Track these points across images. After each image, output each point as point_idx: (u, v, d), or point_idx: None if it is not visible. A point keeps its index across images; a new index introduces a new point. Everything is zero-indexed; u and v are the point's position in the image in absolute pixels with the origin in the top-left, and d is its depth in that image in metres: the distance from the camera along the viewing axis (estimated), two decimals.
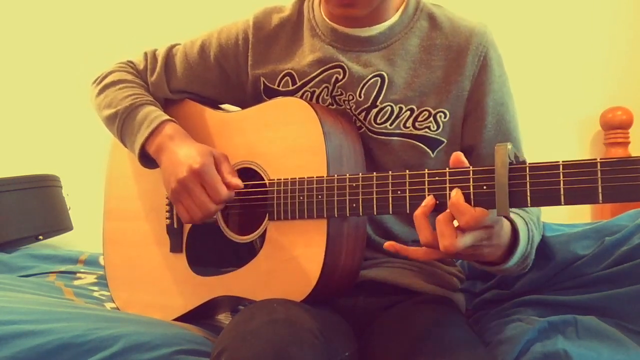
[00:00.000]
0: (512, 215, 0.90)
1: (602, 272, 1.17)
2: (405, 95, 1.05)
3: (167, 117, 1.09)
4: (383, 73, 1.05)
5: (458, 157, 0.83)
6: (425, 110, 1.05)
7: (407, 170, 0.88)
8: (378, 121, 1.06)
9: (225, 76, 1.15)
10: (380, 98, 1.05)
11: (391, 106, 1.05)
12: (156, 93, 1.19)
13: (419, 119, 1.05)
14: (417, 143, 1.05)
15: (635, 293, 1.09)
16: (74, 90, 2.16)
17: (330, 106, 1.08)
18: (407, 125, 1.05)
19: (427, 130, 1.05)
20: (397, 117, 1.05)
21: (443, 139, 1.06)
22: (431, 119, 1.05)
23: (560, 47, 2.05)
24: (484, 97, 1.05)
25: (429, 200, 0.84)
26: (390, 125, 1.05)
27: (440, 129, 1.05)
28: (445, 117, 1.05)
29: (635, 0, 2.04)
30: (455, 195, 0.81)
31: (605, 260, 1.18)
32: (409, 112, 1.05)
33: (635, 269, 1.12)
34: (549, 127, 2.04)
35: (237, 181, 1.01)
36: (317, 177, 0.96)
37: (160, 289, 1.16)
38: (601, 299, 1.12)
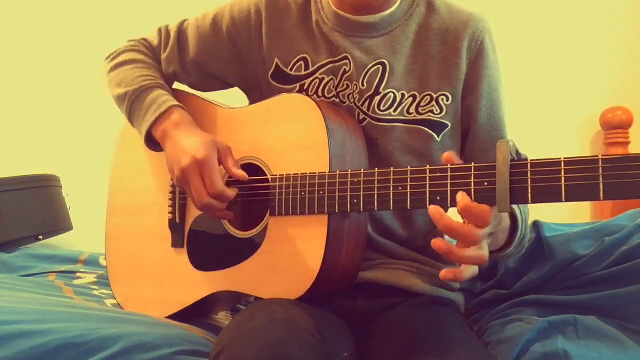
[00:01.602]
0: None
1: (602, 272, 1.17)
2: (407, 82, 1.06)
3: (175, 102, 1.10)
4: (384, 61, 1.06)
5: (450, 156, 0.84)
6: (427, 94, 1.06)
7: (409, 167, 0.88)
8: (382, 108, 1.06)
9: (236, 51, 1.15)
10: (383, 85, 1.06)
11: (394, 93, 1.06)
12: (169, 67, 1.20)
13: (422, 104, 1.06)
14: (422, 127, 1.06)
15: (635, 293, 1.09)
16: (74, 90, 2.16)
17: (334, 99, 1.09)
18: (411, 111, 1.06)
19: (430, 114, 1.06)
20: (400, 104, 1.06)
21: (447, 123, 1.06)
22: (433, 102, 1.06)
23: (560, 47, 2.05)
24: (479, 81, 1.06)
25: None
26: (394, 112, 1.06)
27: (443, 113, 1.06)
28: (447, 100, 1.06)
29: (635, 0, 2.04)
30: (463, 199, 0.80)
31: (605, 260, 1.18)
32: (411, 99, 1.06)
33: (635, 269, 1.12)
34: (549, 127, 2.04)
35: (241, 173, 1.02)
36: (319, 172, 0.97)
37: (161, 283, 1.16)
38: (601, 299, 1.12)
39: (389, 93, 1.06)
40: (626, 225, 1.24)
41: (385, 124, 1.06)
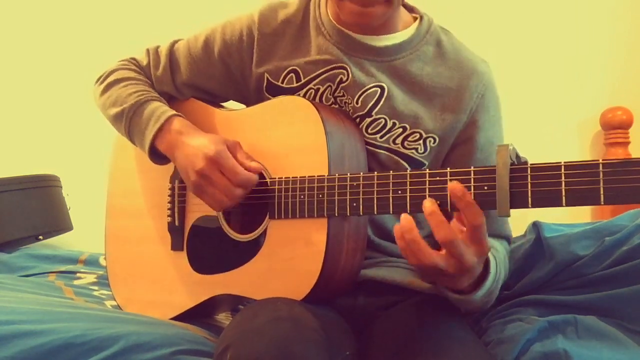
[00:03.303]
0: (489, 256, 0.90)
1: (602, 272, 1.17)
2: (401, 113, 1.05)
3: (173, 112, 1.09)
4: (384, 85, 1.05)
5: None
6: (417, 132, 1.06)
7: (409, 170, 0.89)
8: (369, 131, 1.06)
9: (228, 72, 1.15)
10: (377, 109, 1.05)
11: (385, 119, 1.05)
12: (161, 88, 1.19)
13: (409, 138, 1.06)
14: (401, 161, 1.06)
15: (635, 293, 1.09)
16: (74, 90, 2.16)
17: (333, 105, 1.08)
18: (397, 142, 1.06)
19: (414, 151, 1.06)
20: (389, 131, 1.06)
21: (425, 162, 1.07)
22: (421, 141, 1.06)
23: (560, 47, 2.05)
24: (476, 133, 1.06)
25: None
26: (380, 138, 1.06)
27: (426, 153, 1.06)
28: (434, 143, 1.06)
29: (635, 0, 2.04)
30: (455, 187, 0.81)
31: (605, 261, 1.18)
32: (401, 129, 1.06)
33: (635, 269, 1.12)
34: (549, 127, 2.04)
35: (255, 164, 1.01)
36: (318, 176, 0.96)
37: (161, 286, 1.16)
38: (601, 299, 1.12)
39: (380, 118, 1.06)
40: (626, 225, 1.24)
41: (369, 147, 1.06)
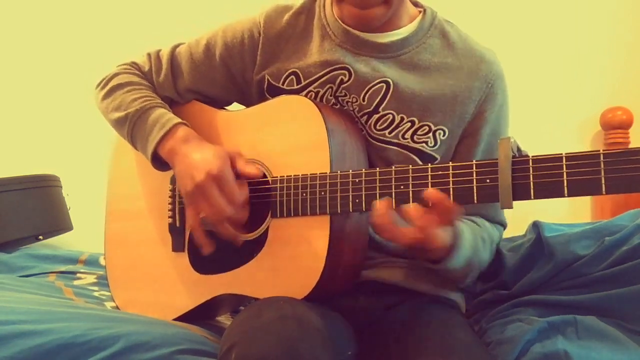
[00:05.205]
0: (461, 225, 0.94)
1: (602, 272, 1.17)
2: (409, 107, 1.05)
3: (179, 120, 1.09)
4: (389, 80, 1.05)
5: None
6: (426, 125, 1.05)
7: (410, 165, 0.89)
8: (378, 127, 1.06)
9: (230, 75, 1.15)
10: (383, 105, 1.05)
11: (392, 114, 1.05)
12: (163, 93, 1.18)
13: (419, 132, 1.05)
14: (412, 156, 1.06)
15: (635, 293, 1.09)
16: (74, 90, 2.16)
17: (335, 106, 1.08)
18: (406, 136, 1.06)
19: (424, 145, 1.06)
20: (397, 126, 1.05)
21: (437, 156, 1.06)
22: (430, 134, 1.05)
23: (560, 47, 2.05)
24: (483, 125, 1.06)
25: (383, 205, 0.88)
26: (389, 133, 1.06)
27: (437, 146, 1.06)
28: (444, 135, 1.06)
29: (635, 0, 2.04)
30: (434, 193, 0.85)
31: (605, 260, 1.18)
32: (409, 124, 1.05)
33: (635, 269, 1.12)
34: (549, 127, 2.04)
35: (252, 170, 1.01)
36: (320, 173, 0.96)
37: (162, 288, 1.16)
38: (601, 299, 1.12)
39: (387, 114, 1.05)
40: (626, 225, 1.24)
41: (378, 144, 1.06)
